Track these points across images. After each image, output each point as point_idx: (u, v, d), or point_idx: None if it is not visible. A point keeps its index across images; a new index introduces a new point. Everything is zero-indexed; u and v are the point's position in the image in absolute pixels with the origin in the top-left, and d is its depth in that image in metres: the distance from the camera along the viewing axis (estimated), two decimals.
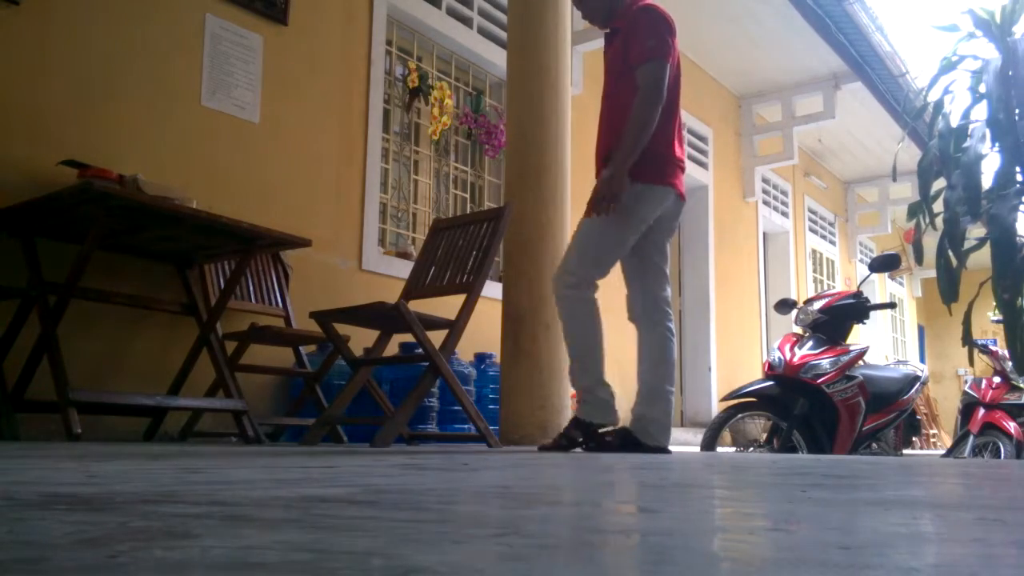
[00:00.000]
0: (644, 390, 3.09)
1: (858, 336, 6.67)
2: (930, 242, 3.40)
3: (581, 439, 3.00)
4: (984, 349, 5.09)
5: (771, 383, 4.06)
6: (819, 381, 3.91)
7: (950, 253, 3.17)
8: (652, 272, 3.15)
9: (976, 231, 3.36)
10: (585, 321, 3.00)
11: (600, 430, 3.03)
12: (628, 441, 3.01)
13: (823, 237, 10.85)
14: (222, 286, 3.71)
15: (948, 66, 3.33)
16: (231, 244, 3.46)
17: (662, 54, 2.97)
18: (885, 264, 4.26)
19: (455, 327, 3.40)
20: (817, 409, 3.96)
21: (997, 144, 3.10)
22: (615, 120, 3.05)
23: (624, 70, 3.06)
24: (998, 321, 3.54)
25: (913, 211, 3.43)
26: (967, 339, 3.26)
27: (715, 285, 8.09)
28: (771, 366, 4.07)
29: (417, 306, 3.52)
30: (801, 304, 4.45)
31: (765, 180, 9.23)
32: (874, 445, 4.30)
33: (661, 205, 3.07)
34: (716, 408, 7.09)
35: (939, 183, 3.31)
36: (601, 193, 2.96)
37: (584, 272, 3.01)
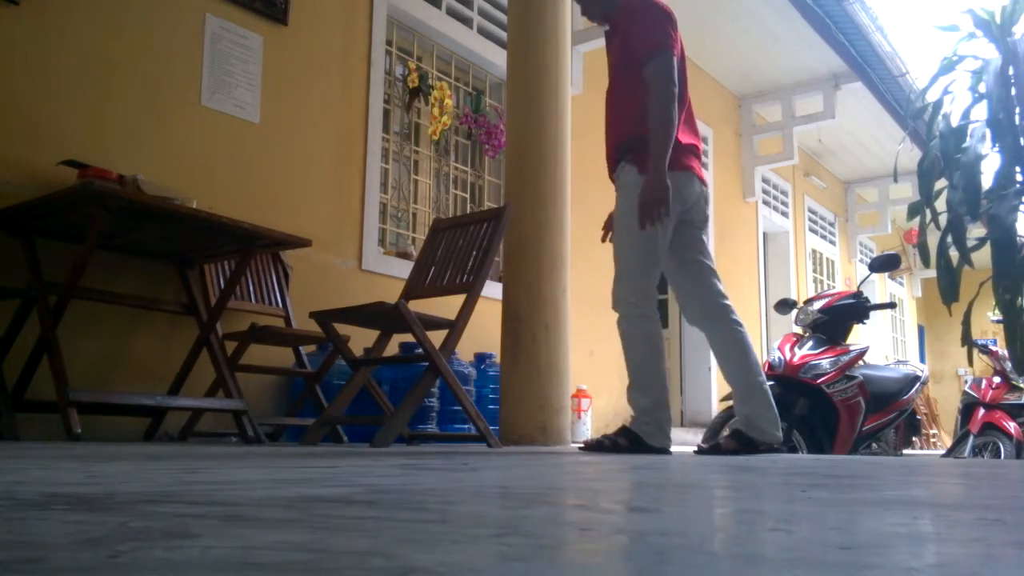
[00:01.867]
0: (738, 390, 3.00)
1: (858, 336, 6.67)
2: (930, 242, 3.40)
3: (624, 444, 2.89)
4: (984, 349, 5.09)
5: (771, 383, 4.05)
6: (819, 381, 3.91)
7: (950, 253, 3.17)
8: (694, 270, 3.05)
9: (976, 231, 3.36)
10: (647, 342, 2.91)
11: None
12: (743, 441, 2.91)
13: (823, 237, 10.85)
14: (222, 286, 3.71)
15: (948, 66, 3.33)
16: (231, 244, 3.46)
17: (666, 46, 2.91)
18: (885, 264, 4.26)
19: (455, 327, 3.40)
20: (817, 409, 3.96)
21: (997, 144, 3.10)
22: (621, 115, 3.01)
23: (626, 65, 3.00)
24: (998, 321, 3.54)
25: (913, 211, 3.42)
26: (967, 339, 3.26)
27: None
28: (771, 366, 4.07)
29: (417, 306, 3.52)
30: (801, 304, 4.45)
31: (765, 180, 9.23)
32: (874, 445, 4.30)
33: (681, 190, 2.94)
34: (716, 408, 7.09)
35: (940, 183, 3.31)
36: (647, 201, 2.83)
37: (638, 285, 2.91)
